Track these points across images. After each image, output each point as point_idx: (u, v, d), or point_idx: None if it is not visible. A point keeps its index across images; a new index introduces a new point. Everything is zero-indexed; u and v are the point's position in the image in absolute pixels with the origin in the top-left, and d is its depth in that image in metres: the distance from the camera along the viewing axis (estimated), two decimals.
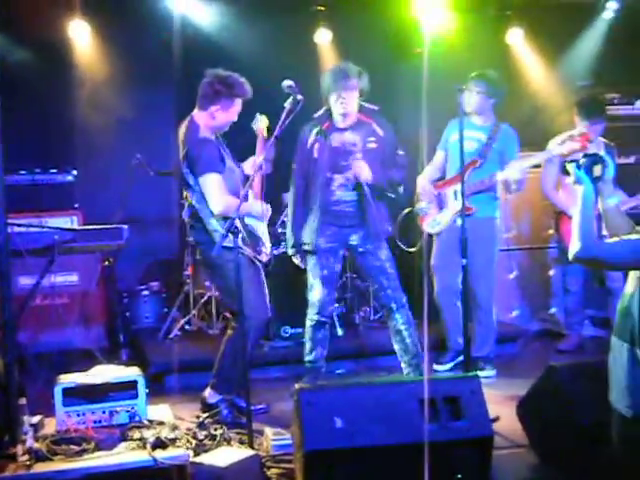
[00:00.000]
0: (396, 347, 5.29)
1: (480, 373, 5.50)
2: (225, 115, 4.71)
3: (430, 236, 5.91)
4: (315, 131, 5.14)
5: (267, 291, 4.89)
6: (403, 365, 5.29)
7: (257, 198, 4.84)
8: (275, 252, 5.88)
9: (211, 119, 4.71)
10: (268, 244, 5.00)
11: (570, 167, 3.34)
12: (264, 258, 4.89)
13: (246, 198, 4.50)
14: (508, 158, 5.67)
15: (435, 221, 5.81)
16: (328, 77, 5.11)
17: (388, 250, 5.28)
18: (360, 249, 5.22)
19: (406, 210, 5.92)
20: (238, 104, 4.74)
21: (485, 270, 5.71)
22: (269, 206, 4.93)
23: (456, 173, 5.60)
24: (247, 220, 4.78)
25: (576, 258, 3.17)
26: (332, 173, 5.14)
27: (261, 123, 4.98)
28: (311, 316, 5.26)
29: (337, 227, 5.18)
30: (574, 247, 3.15)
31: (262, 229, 4.95)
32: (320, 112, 5.20)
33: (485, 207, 5.66)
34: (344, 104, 5.07)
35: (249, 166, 4.92)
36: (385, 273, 5.21)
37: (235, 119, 4.77)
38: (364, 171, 5.02)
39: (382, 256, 5.21)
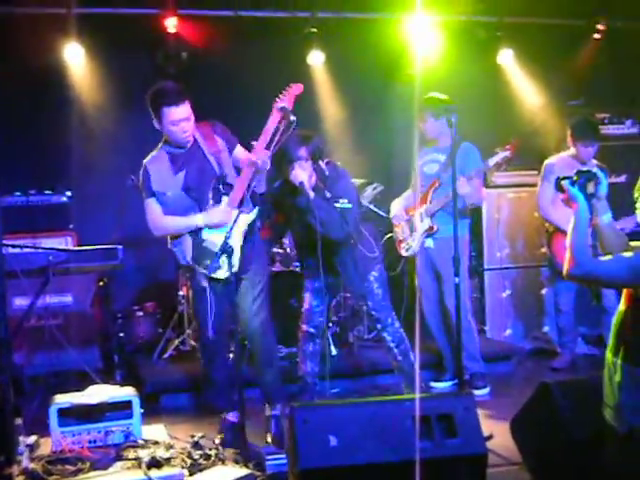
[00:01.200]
0: (392, 365, 5.39)
1: (475, 392, 5.61)
2: (167, 127, 4.57)
3: (407, 258, 6.08)
4: None
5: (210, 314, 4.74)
6: (401, 382, 5.37)
7: (233, 204, 4.57)
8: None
9: (164, 134, 4.68)
10: (235, 257, 4.53)
11: (564, 184, 3.34)
12: (221, 275, 4.56)
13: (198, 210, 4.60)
14: (462, 174, 5.64)
15: (407, 244, 5.93)
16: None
17: (379, 270, 5.32)
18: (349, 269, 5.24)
19: (387, 235, 6.10)
20: (170, 113, 4.50)
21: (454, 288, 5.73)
22: (236, 210, 4.53)
23: (421, 196, 5.85)
24: (206, 234, 4.63)
25: (570, 275, 3.15)
26: None
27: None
28: (301, 326, 5.34)
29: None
30: (568, 264, 3.14)
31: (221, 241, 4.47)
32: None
33: (448, 226, 5.37)
34: (295, 174, 4.84)
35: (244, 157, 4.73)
36: (372, 293, 5.24)
37: (181, 128, 4.54)
38: None
39: (370, 277, 5.25)
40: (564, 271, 3.18)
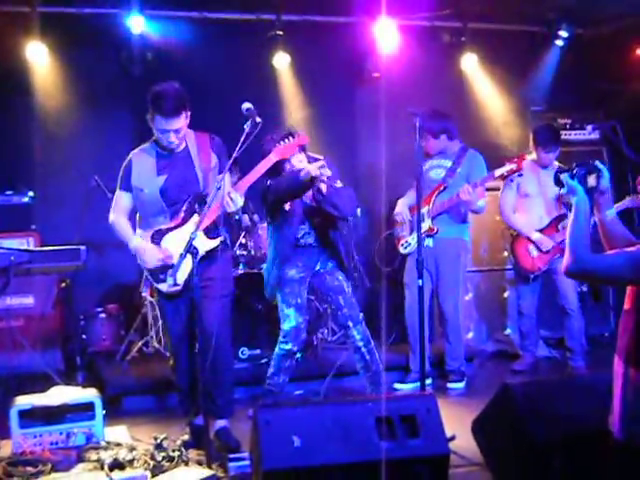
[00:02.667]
0: (358, 366, 5.34)
1: (450, 385, 5.98)
2: (155, 128, 4.51)
3: (404, 256, 6.22)
4: None
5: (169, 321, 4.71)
6: (366, 382, 5.34)
7: (198, 226, 4.40)
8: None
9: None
10: (181, 275, 4.49)
11: (562, 177, 3.14)
12: (164, 288, 4.56)
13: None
14: (469, 181, 5.93)
15: (407, 242, 6.11)
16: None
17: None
18: (321, 270, 5.26)
19: (386, 233, 6.34)
20: (161, 122, 4.45)
21: (451, 288, 6.03)
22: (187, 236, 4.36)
23: (424, 198, 5.92)
24: (164, 244, 4.56)
25: (569, 272, 2.98)
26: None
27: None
28: (284, 346, 5.21)
29: (306, 257, 5.19)
30: (566, 261, 2.96)
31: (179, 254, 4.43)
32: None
33: (449, 228, 6.01)
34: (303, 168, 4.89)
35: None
36: (342, 292, 5.25)
37: (167, 137, 4.49)
38: None
39: (339, 275, 5.27)
40: (562, 268, 3.02)
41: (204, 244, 4.50)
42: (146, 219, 4.65)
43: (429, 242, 5.99)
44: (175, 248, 4.48)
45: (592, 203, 3.15)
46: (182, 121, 4.50)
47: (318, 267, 5.26)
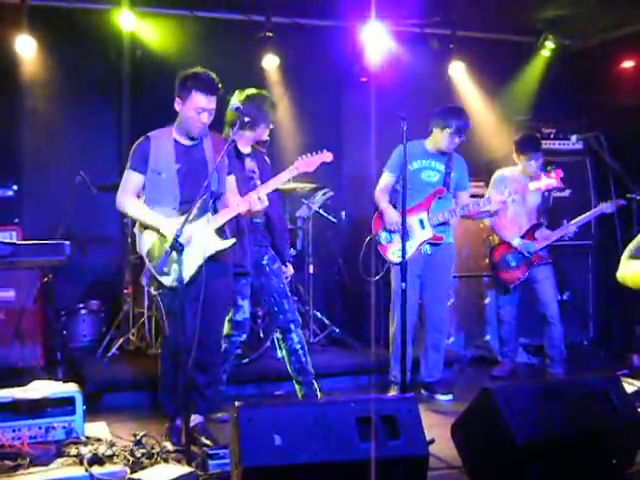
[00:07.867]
0: (290, 368, 5.32)
1: (441, 397, 5.81)
2: (187, 112, 4.49)
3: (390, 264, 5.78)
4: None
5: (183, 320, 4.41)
6: (297, 386, 5.35)
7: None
8: None
9: (180, 115, 4.57)
10: (188, 269, 4.37)
11: None
12: (166, 281, 4.45)
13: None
14: (462, 187, 5.84)
15: (399, 250, 5.46)
16: (260, 106, 5.11)
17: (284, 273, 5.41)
18: (267, 269, 5.26)
19: (367, 238, 5.82)
20: (199, 99, 4.45)
21: (445, 294, 5.90)
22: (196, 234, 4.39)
23: (419, 202, 5.67)
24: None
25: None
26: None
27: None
28: (237, 337, 5.23)
29: (257, 247, 5.21)
30: (622, 268, 2.60)
31: (193, 252, 4.39)
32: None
33: (447, 234, 5.76)
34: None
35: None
36: (287, 296, 5.28)
37: (201, 118, 4.47)
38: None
39: (284, 279, 5.31)
40: (618, 273, 2.69)
41: (216, 244, 4.48)
42: (153, 205, 4.53)
43: (426, 248, 5.67)
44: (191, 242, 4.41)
45: None
46: (214, 104, 4.53)
47: (265, 262, 5.25)
